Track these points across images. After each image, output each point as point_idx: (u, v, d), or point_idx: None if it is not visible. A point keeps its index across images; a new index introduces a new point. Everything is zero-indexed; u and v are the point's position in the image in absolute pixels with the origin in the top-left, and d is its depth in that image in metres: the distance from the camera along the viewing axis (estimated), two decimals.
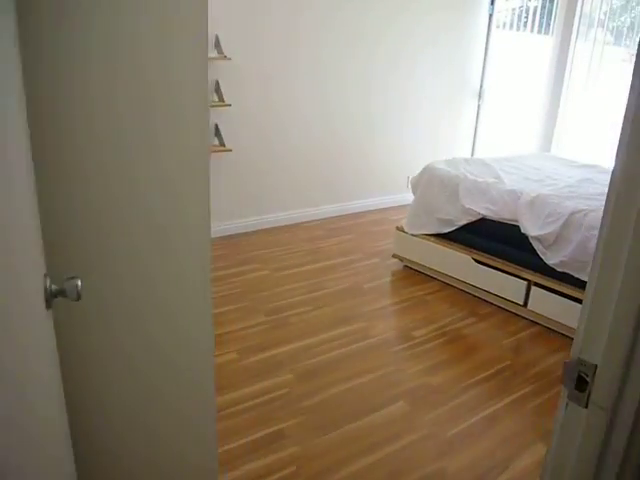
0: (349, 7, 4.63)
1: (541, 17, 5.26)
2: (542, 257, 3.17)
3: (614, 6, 4.72)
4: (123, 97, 1.17)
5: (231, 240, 4.36)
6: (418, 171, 3.97)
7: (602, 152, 5.03)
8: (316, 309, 3.32)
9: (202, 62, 1.26)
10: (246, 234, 4.52)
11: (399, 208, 5.41)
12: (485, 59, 5.77)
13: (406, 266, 4.03)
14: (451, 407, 2.49)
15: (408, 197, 4.04)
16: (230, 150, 4.18)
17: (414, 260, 3.93)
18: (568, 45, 5.01)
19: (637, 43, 4.02)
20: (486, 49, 5.73)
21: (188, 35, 1.22)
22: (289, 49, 4.41)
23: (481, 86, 5.84)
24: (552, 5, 5.14)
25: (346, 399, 2.50)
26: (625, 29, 4.73)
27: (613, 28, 4.77)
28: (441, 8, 5.24)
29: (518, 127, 5.68)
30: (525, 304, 3.31)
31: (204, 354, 1.52)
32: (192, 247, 1.39)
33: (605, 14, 4.78)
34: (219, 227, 4.38)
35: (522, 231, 3.23)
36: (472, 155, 6.02)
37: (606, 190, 2.67)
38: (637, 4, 4.63)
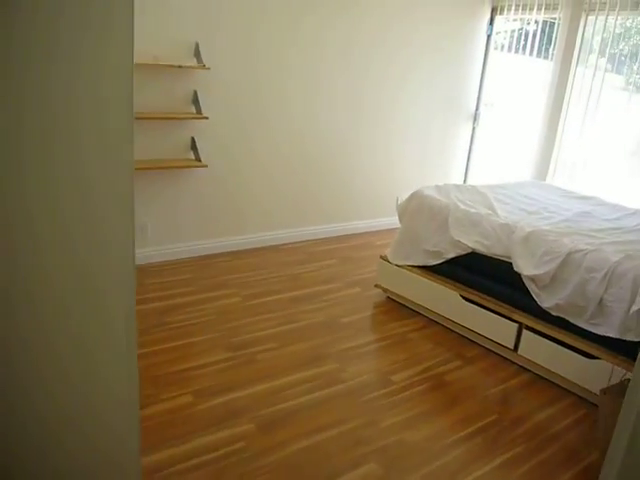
0: (340, 22, 4.40)
1: (540, 41, 5.05)
2: (536, 299, 2.89)
3: (615, 33, 4.52)
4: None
5: (202, 262, 4.06)
6: (407, 194, 3.70)
7: (599, 183, 4.79)
8: (286, 345, 3.02)
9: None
10: (220, 255, 4.22)
11: (385, 232, 5.14)
12: (482, 81, 5.55)
13: (389, 298, 3.75)
14: (430, 471, 2.19)
15: (395, 220, 3.78)
16: (206, 166, 3.89)
17: (398, 293, 3.65)
18: (568, 71, 4.79)
19: (634, 71, 3.77)
20: (483, 71, 5.52)
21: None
22: (274, 61, 4.15)
23: (477, 109, 5.61)
24: (552, 30, 4.94)
25: (309, 459, 2.19)
26: (623, 57, 4.55)
27: (612, 56, 4.58)
28: (438, 27, 5.02)
29: (513, 153, 5.44)
30: (515, 348, 3.03)
31: (126, 406, 1.23)
32: (112, 276, 1.12)
33: (604, 41, 4.59)
34: (190, 246, 4.09)
35: (515, 269, 2.95)
36: (465, 180, 5.77)
37: (606, 226, 2.40)
38: (636, 32, 4.46)
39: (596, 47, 4.70)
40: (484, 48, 5.45)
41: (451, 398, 2.70)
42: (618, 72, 4.68)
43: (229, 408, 2.45)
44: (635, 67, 4.57)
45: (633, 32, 4.56)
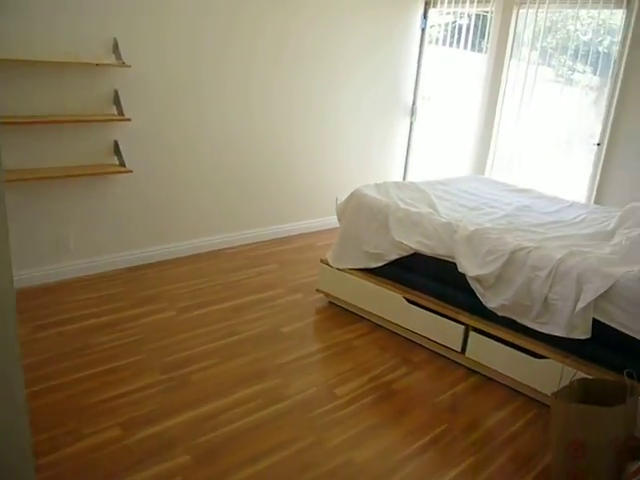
0: (274, 18, 4.20)
1: (474, 35, 5.02)
2: (481, 299, 2.81)
3: (545, 27, 4.53)
4: None
5: (131, 274, 3.79)
6: (347, 194, 3.56)
7: (535, 175, 4.81)
8: (224, 362, 2.82)
9: None
10: (151, 266, 3.96)
11: (327, 232, 5.00)
12: (418, 75, 5.48)
13: (332, 303, 3.60)
14: None
15: (335, 219, 3.65)
16: (131, 171, 3.62)
17: (340, 297, 3.51)
18: (502, 64, 4.78)
19: (562, 64, 3.77)
20: (419, 65, 5.45)
21: None
22: (200, 57, 3.91)
23: (414, 103, 5.54)
24: (484, 23, 4.92)
25: None
26: (551, 50, 4.58)
27: (542, 49, 4.59)
28: (372, 21, 4.90)
29: (452, 147, 5.41)
30: (463, 350, 2.94)
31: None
32: None
33: (535, 35, 4.60)
34: (120, 257, 3.81)
35: (459, 270, 2.86)
36: (404, 177, 5.70)
37: (546, 220, 2.33)
38: (562, 26, 4.49)
39: (527, 40, 4.70)
40: (419, 42, 5.38)
41: (399, 408, 2.58)
42: (548, 65, 4.70)
43: (162, 439, 2.23)
44: (563, 60, 4.60)
45: (559, 25, 4.59)
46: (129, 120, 3.54)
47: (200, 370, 2.73)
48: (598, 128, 4.41)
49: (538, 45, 4.64)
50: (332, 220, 4.96)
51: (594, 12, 4.33)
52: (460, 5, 5.03)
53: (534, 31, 4.63)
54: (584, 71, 4.55)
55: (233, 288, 3.71)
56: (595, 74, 4.46)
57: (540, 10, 4.55)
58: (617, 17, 4.23)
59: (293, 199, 4.83)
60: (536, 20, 4.61)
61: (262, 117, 4.39)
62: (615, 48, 4.25)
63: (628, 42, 4.08)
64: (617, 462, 2.07)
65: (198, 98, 3.97)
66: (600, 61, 4.39)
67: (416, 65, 5.45)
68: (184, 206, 4.11)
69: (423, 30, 5.35)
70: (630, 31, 4.06)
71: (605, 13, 4.29)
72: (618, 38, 4.21)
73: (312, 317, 3.43)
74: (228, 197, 4.36)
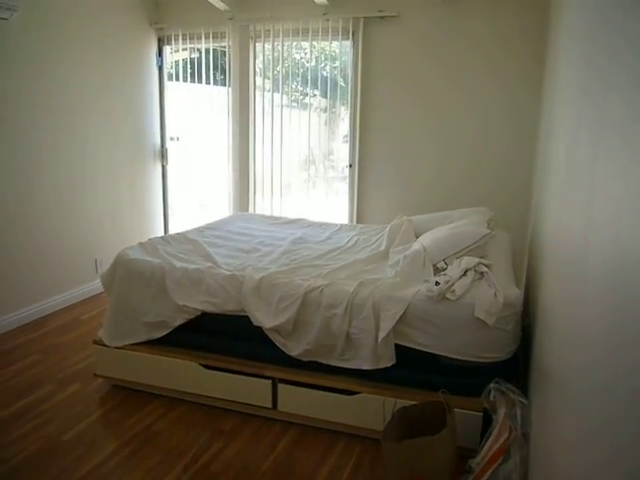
0: None
1: (214, 69, 4.92)
2: (283, 349, 2.66)
3: (271, 57, 4.67)
4: None
5: None
6: (106, 255, 3.11)
7: (295, 201, 4.89)
8: None
9: None
10: None
11: (89, 301, 4.41)
12: (162, 115, 5.19)
13: (117, 386, 3.13)
14: None
15: (98, 284, 3.16)
16: None
17: (126, 378, 3.05)
18: (247, 95, 4.78)
19: (293, 88, 3.91)
20: (161, 104, 5.16)
21: None
22: None
23: (162, 145, 5.24)
24: (223, 57, 4.86)
25: None
26: (284, 77, 4.75)
27: (271, 77, 4.72)
28: (107, 67, 4.48)
29: (212, 187, 5.23)
30: (275, 406, 2.76)
31: None
32: None
33: (264, 64, 4.73)
34: None
35: (255, 323, 2.67)
36: (166, 227, 5.34)
37: (324, 249, 2.33)
38: (288, 55, 4.70)
39: (264, 70, 4.77)
40: (158, 80, 5.10)
41: None
42: (281, 92, 4.84)
43: None
44: (294, 86, 4.78)
45: (285, 55, 4.78)
46: None
47: None
48: (336, 147, 4.68)
49: (265, 73, 4.75)
50: (92, 287, 4.43)
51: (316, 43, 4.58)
52: (195, 41, 4.90)
53: (269, 60, 4.73)
54: (314, 94, 4.79)
55: None
56: (323, 97, 4.73)
57: (276, 42, 4.65)
58: (334, 46, 4.52)
59: (43, 272, 4.13)
60: (273, 51, 4.70)
61: None
62: (334, 73, 4.55)
63: (360, 70, 4.37)
64: None
65: None
66: (325, 85, 4.67)
67: (159, 105, 5.15)
68: None
69: (160, 68, 5.09)
70: (359, 59, 4.36)
71: (327, 43, 4.56)
72: (337, 64, 4.51)
73: (98, 410, 2.92)
74: None
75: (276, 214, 4.74)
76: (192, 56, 5.06)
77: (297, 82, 4.75)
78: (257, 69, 4.79)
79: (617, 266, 0.91)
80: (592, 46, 1.51)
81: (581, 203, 1.43)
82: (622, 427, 0.73)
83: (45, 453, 2.55)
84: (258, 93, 4.83)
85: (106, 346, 3.02)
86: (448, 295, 2.40)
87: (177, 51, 5.10)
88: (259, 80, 4.82)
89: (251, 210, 4.93)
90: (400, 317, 2.43)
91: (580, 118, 1.64)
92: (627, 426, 0.73)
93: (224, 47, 4.88)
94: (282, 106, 4.76)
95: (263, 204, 4.96)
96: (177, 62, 5.16)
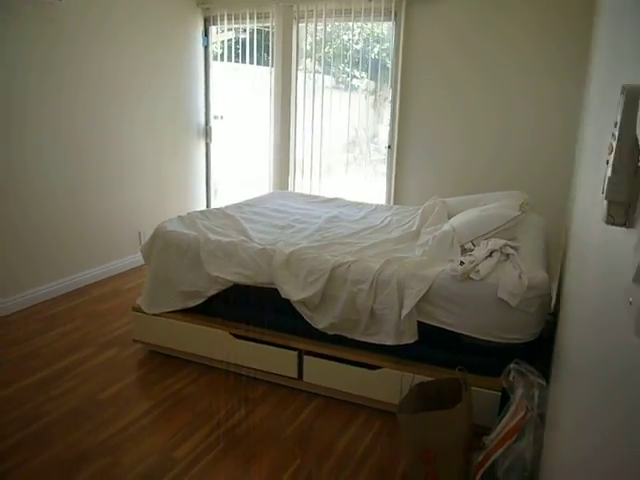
0: (37, 35, 3.70)
1: (258, 49, 5.00)
2: (309, 322, 2.74)
3: (318, 38, 4.68)
4: None
5: None
6: (149, 227, 3.25)
7: (335, 182, 4.94)
8: (33, 458, 2.35)
9: None
10: None
11: (133, 272, 4.60)
12: (207, 94, 5.31)
13: (154, 352, 3.28)
14: None
15: (140, 257, 3.31)
16: None
17: (162, 344, 3.20)
18: (290, 76, 4.83)
19: (340, 70, 3.95)
20: (207, 83, 5.28)
21: None
22: None
23: (207, 123, 5.36)
24: (267, 37, 4.93)
25: None
26: (329, 59, 4.76)
27: (320, 58, 4.74)
28: (153, 45, 4.61)
29: (253, 165, 5.34)
30: (300, 376, 2.85)
31: None
32: None
33: (311, 45, 4.75)
34: None
35: (283, 296, 2.76)
36: (208, 203, 5.49)
37: (357, 228, 2.37)
38: (336, 37, 4.70)
39: (311, 51, 4.81)
40: (203, 60, 5.22)
41: (248, 455, 2.39)
42: (327, 73, 4.86)
43: None
44: (341, 67, 4.80)
45: (334, 37, 4.79)
46: None
47: (6, 472, 2.25)
48: (381, 129, 4.68)
49: (320, 55, 4.77)
50: (137, 258, 4.58)
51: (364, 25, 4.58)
52: (240, 21, 4.98)
53: (316, 41, 4.76)
54: (361, 77, 4.80)
55: (30, 360, 3.17)
56: (371, 79, 4.73)
57: (319, 24, 4.68)
58: (384, 27, 4.52)
59: (91, 242, 4.33)
60: (315, 32, 4.73)
61: (35, 159, 3.85)
62: (383, 55, 4.53)
63: (401, 52, 4.36)
64: (465, 456, 2.13)
65: None
66: (372, 67, 4.67)
67: (204, 84, 5.28)
68: None
69: (206, 48, 5.20)
70: (400, 41, 4.34)
71: (374, 25, 4.55)
72: (386, 46, 4.49)
73: (133, 373, 3.08)
74: (8, 251, 3.75)
75: (314, 193, 4.80)
76: (237, 36, 5.14)
77: (345, 64, 4.77)
78: (301, 50, 4.83)
79: None
80: None
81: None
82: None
83: (82, 409, 2.71)
84: (300, 74, 4.86)
85: (144, 313, 3.17)
86: (472, 275, 2.42)
87: (222, 31, 5.19)
88: (302, 61, 4.86)
89: (290, 189, 5.00)
90: (424, 295, 2.46)
91: None
92: None
93: (268, 27, 4.94)
94: (324, 88, 4.79)
95: (302, 183, 5.02)
96: (222, 42, 5.25)
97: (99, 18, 4.12)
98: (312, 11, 4.67)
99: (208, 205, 5.49)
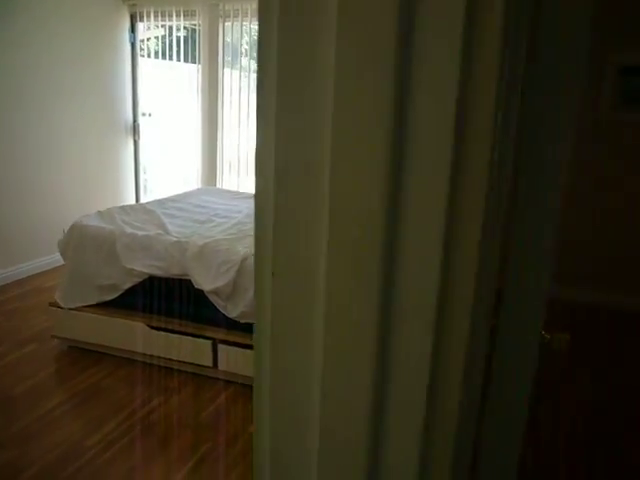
0: None
1: (186, 46, 5.03)
2: (222, 311, 2.82)
3: (253, 38, 4.78)
4: None
5: None
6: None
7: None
8: None
9: None
10: None
11: (57, 270, 4.55)
12: (135, 90, 5.30)
13: (72, 347, 3.28)
14: None
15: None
16: None
17: (80, 339, 3.21)
18: (217, 74, 4.89)
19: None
20: (134, 80, 5.27)
21: None
22: None
23: (135, 120, 5.35)
24: (193, 35, 4.96)
25: None
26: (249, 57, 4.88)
27: (238, 55, 4.86)
28: (76, 40, 4.57)
29: (182, 162, 5.36)
30: (215, 365, 2.93)
31: None
32: None
33: (248, 44, 4.83)
34: None
35: (196, 286, 2.83)
36: (137, 200, 5.47)
37: None
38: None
39: (249, 51, 4.89)
40: (130, 57, 5.21)
41: (161, 439, 2.46)
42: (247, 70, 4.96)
43: None
44: None
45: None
46: None
47: None
48: None
49: (250, 53, 4.86)
50: (57, 257, 4.52)
51: None
52: (167, 19, 5.00)
53: (241, 40, 4.84)
54: None
55: None
56: None
57: (244, 23, 4.76)
58: None
59: (12, 240, 4.27)
60: (241, 31, 4.81)
61: None
62: None
63: None
64: None
65: None
66: None
67: (131, 81, 5.26)
68: None
69: (133, 45, 5.19)
70: None
71: None
72: None
73: (50, 368, 3.08)
74: None
75: (241, 189, 4.88)
76: (165, 33, 5.16)
77: None
78: (226, 48, 4.90)
79: None
80: None
81: None
82: None
83: None
84: (227, 71, 4.93)
85: (61, 308, 3.17)
86: None
87: (149, 28, 5.19)
88: (228, 59, 4.93)
89: (219, 186, 5.06)
90: None
91: None
92: None
93: (194, 25, 4.98)
94: (250, 86, 4.88)
95: (230, 180, 5.09)
96: (149, 39, 5.26)
97: (19, 11, 4.07)
98: (238, 10, 4.74)
99: (137, 202, 5.48)
